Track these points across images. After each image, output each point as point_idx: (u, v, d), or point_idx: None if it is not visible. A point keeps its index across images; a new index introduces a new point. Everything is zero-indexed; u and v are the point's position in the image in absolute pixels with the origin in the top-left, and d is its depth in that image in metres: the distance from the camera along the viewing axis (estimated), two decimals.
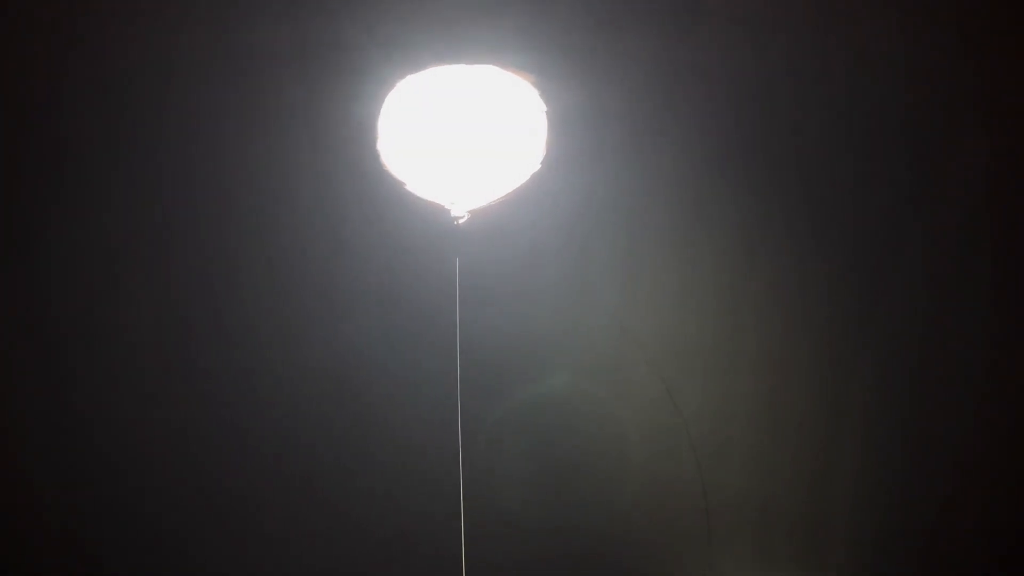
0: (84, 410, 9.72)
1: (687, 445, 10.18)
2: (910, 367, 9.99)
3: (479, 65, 7.29)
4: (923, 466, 9.85)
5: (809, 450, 10.09)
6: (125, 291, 9.52)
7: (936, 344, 10.05)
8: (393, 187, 8.64)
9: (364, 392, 10.02)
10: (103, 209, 9.55)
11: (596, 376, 10.18)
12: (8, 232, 9.58)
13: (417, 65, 7.79)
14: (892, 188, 9.54)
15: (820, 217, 10.26)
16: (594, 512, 10.31)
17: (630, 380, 10.43)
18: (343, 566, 10.46)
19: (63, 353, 9.54)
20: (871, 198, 9.54)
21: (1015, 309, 9.45)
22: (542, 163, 8.05)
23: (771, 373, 10.09)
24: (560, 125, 8.19)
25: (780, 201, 10.07)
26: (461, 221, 8.00)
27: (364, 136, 8.44)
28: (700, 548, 10.27)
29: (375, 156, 8.36)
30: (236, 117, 9.11)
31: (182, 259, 9.87)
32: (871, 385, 10.14)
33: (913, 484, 9.87)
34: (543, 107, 7.80)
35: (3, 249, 9.21)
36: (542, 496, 10.27)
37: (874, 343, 10.26)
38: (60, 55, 8.20)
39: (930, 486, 9.75)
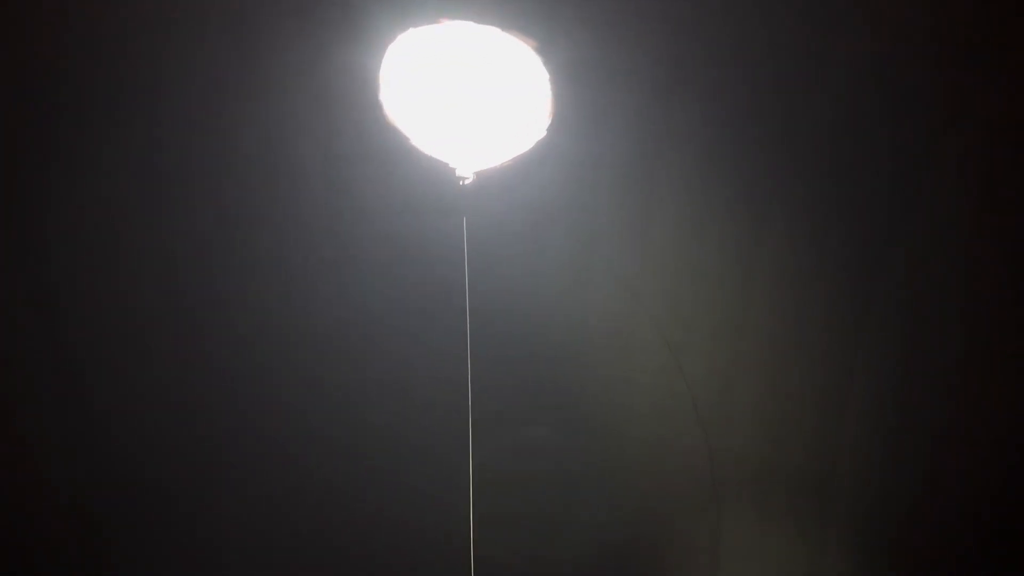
0: (91, 378, 9.84)
1: (691, 407, 10.23)
2: (915, 333, 9.97)
3: (484, 25, 7.10)
4: (926, 428, 9.90)
5: (815, 412, 10.13)
6: (125, 250, 9.53)
7: (941, 311, 10.01)
8: (398, 142, 8.53)
9: (372, 352, 10.06)
10: (103, 167, 9.49)
11: (602, 338, 10.19)
12: (10, 190, 9.58)
13: (421, 18, 7.60)
14: (903, 155, 9.40)
15: (832, 182, 10.13)
16: (599, 472, 10.42)
17: (636, 343, 10.45)
18: (352, 519, 10.62)
19: (64, 311, 9.62)
20: (883, 164, 9.41)
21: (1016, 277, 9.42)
22: (548, 129, 7.91)
23: (779, 336, 10.09)
24: (566, 87, 8.02)
25: (792, 166, 9.92)
26: (467, 182, 7.88)
27: (367, 88, 8.30)
28: (704, 508, 10.40)
29: (378, 108, 8.21)
30: (238, 71, 8.97)
31: (183, 218, 9.83)
32: (877, 349, 10.13)
33: (916, 445, 9.93)
34: (547, 72, 7.63)
35: (5, 212, 9.23)
36: (548, 457, 10.38)
37: (881, 309, 10.21)
38: (60, 8, 8.05)
39: (932, 448, 9.82)
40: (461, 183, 8.10)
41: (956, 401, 9.53)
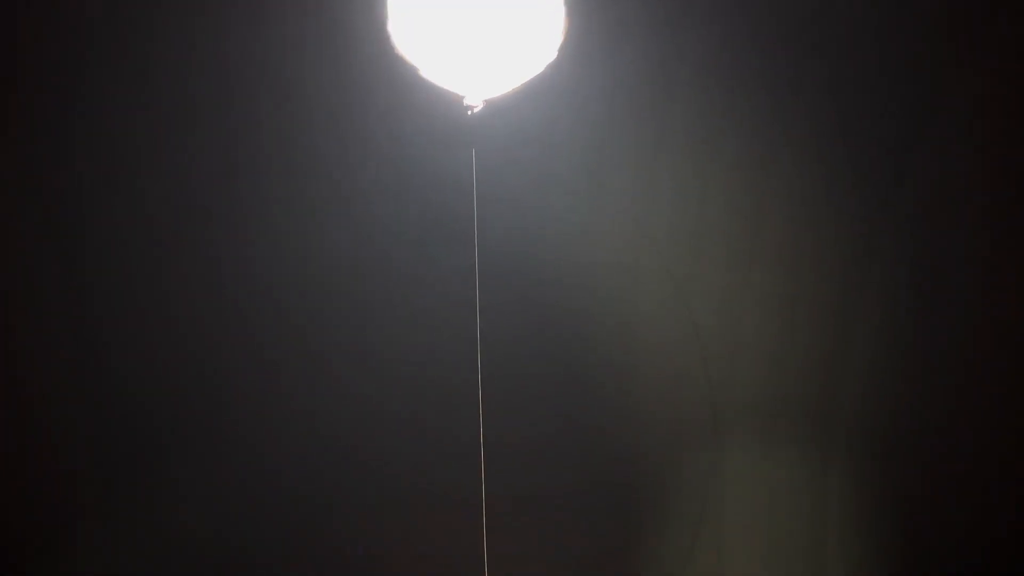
0: (102, 294, 9.93)
1: (696, 339, 10.31)
2: (923, 263, 9.99)
3: None
4: (933, 359, 9.98)
5: (821, 342, 10.21)
6: (137, 174, 9.54)
7: (950, 240, 10.01)
8: (406, 72, 8.44)
9: (379, 284, 10.12)
10: (110, 97, 9.45)
11: (610, 269, 10.23)
12: (29, 121, 9.57)
13: None
14: (911, 86, 9.31)
15: (843, 112, 10.05)
16: (604, 402, 10.55)
17: (642, 275, 10.49)
18: (360, 442, 10.77)
19: (81, 226, 9.69)
20: (893, 92, 9.32)
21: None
22: (559, 50, 7.79)
23: (787, 267, 10.11)
24: (578, 8, 7.91)
25: (805, 95, 9.84)
26: (475, 111, 7.82)
27: (374, 17, 8.18)
28: (708, 437, 10.55)
29: (385, 37, 8.11)
30: (247, 1, 8.87)
31: (192, 148, 9.80)
32: (885, 279, 10.17)
33: (922, 375, 10.02)
34: None
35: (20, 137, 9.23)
36: (554, 389, 10.49)
37: (890, 237, 10.22)
38: None
39: (937, 377, 9.91)
40: (469, 112, 8.04)
41: (963, 330, 9.59)
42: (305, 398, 10.26)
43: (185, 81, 9.18)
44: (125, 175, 9.40)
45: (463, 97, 8.04)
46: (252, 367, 10.18)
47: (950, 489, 9.83)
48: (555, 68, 8.02)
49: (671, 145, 9.91)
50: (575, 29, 7.91)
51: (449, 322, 9.71)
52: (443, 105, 8.46)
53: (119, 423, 10.38)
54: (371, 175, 9.68)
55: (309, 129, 9.77)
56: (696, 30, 8.53)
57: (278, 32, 8.83)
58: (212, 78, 9.21)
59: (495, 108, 8.19)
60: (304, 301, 9.97)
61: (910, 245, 9.99)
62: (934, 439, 9.93)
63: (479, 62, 7.62)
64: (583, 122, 9.48)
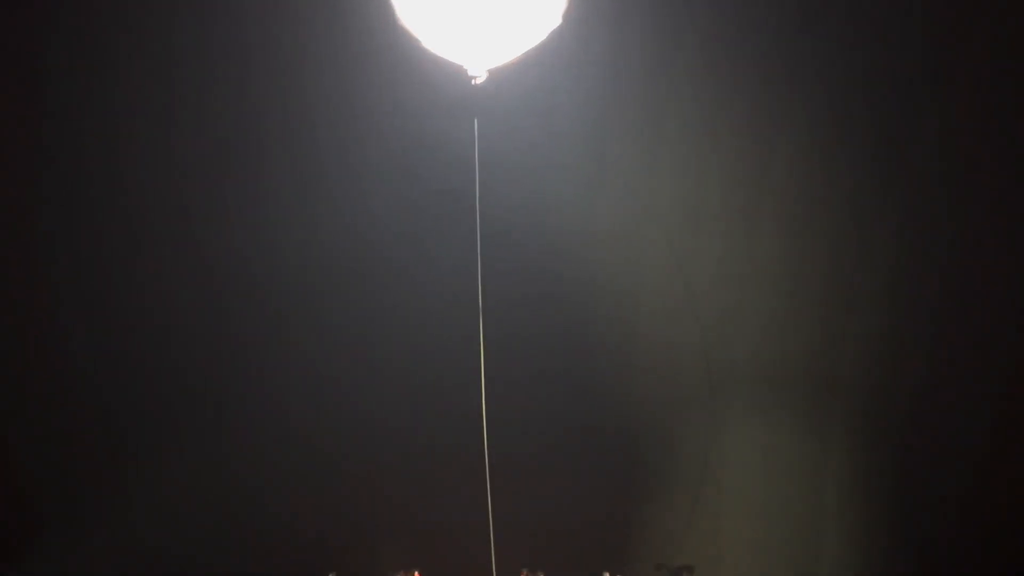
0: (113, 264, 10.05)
1: (694, 309, 10.40)
2: (925, 229, 10.03)
3: None
4: (932, 329, 10.06)
5: (820, 309, 10.28)
6: (139, 150, 9.61)
7: (953, 215, 10.06)
8: (410, 43, 8.45)
9: (382, 252, 10.20)
10: (115, 65, 9.50)
11: (611, 240, 10.29)
12: (36, 97, 9.63)
13: None
14: (914, 55, 9.33)
15: (847, 85, 10.06)
16: (605, 370, 10.65)
17: (642, 245, 10.54)
18: (366, 404, 10.89)
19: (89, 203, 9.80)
20: (898, 62, 9.33)
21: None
22: (563, 16, 7.76)
23: (789, 238, 10.16)
24: None
25: (809, 66, 9.85)
26: (479, 80, 7.84)
27: None
28: (705, 403, 10.66)
29: (389, 10, 8.11)
30: None
31: (195, 119, 9.85)
32: (886, 246, 10.22)
33: (921, 345, 10.11)
34: None
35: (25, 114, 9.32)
36: (555, 358, 10.58)
37: (893, 212, 10.26)
38: None
39: (935, 344, 9.99)
40: (473, 82, 8.06)
41: (962, 297, 9.67)
42: (313, 360, 10.37)
43: (187, 55, 9.24)
44: (125, 144, 9.48)
45: (466, 67, 8.06)
46: (260, 325, 10.30)
47: (947, 456, 9.95)
48: (558, 37, 8.04)
49: (674, 115, 9.94)
50: None
51: (451, 291, 9.79)
52: (446, 75, 8.50)
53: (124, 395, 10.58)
54: (374, 145, 9.73)
55: (313, 100, 9.80)
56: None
57: (281, 4, 8.86)
58: (215, 51, 9.25)
59: (498, 78, 8.20)
60: (308, 269, 10.04)
61: (913, 217, 10.03)
62: (932, 407, 10.04)
63: (482, 32, 7.64)
64: (586, 92, 9.50)
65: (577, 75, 9.18)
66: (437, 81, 8.95)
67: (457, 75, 8.14)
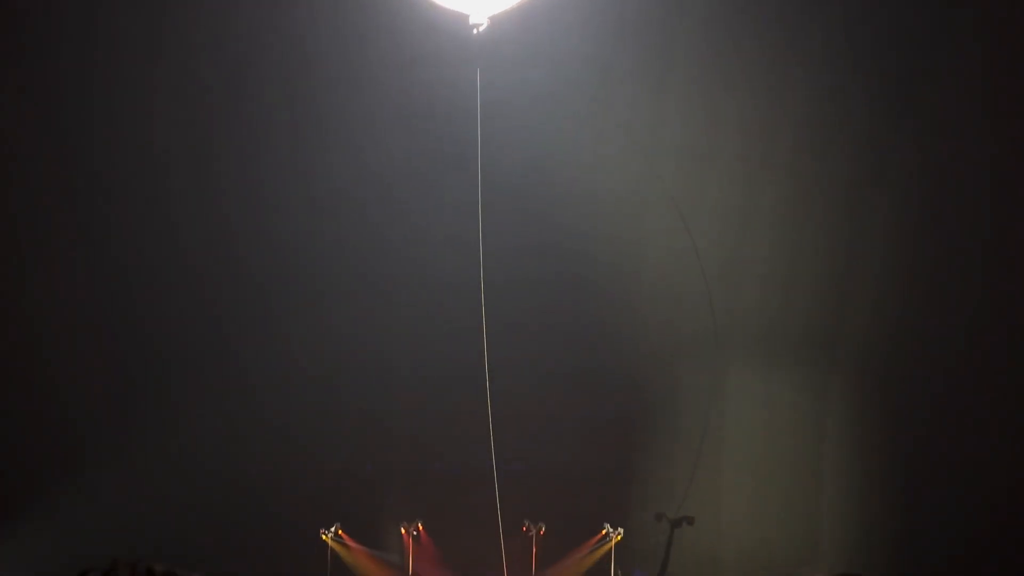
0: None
1: (699, 262, 10.40)
2: (932, 192, 9.99)
3: None
4: (935, 284, 10.05)
5: (824, 265, 10.29)
6: (141, 98, 9.59)
7: (956, 172, 10.00)
8: None
9: (384, 204, 10.20)
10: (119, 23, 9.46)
11: (613, 193, 10.26)
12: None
13: None
14: (923, 8, 9.21)
15: (855, 37, 9.92)
16: (608, 326, 10.69)
17: (647, 197, 10.52)
18: (369, 354, 10.97)
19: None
20: (906, 14, 9.22)
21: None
22: None
23: (793, 192, 10.13)
24: None
25: (818, 16, 9.69)
26: (481, 29, 7.74)
27: None
28: (710, 358, 10.71)
29: None
30: None
31: (196, 71, 9.79)
32: (892, 204, 10.18)
33: (924, 301, 10.11)
34: None
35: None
36: (558, 312, 10.63)
37: (898, 167, 10.21)
38: None
39: (938, 300, 10.00)
40: (475, 31, 7.95)
41: (967, 256, 9.65)
42: (319, 304, 10.44)
43: (189, 8, 9.18)
44: (131, 99, 9.47)
45: (468, 16, 7.96)
46: (269, 264, 10.38)
47: (948, 412, 10.01)
48: None
49: (678, 66, 9.84)
50: None
51: (453, 242, 9.79)
52: (448, 24, 8.41)
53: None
54: (376, 95, 9.67)
55: (314, 50, 9.73)
56: None
57: None
58: (217, 4, 9.19)
59: (500, 26, 8.11)
60: (313, 217, 10.08)
61: (918, 172, 9.97)
62: (934, 362, 10.07)
63: None
64: (589, 41, 9.39)
65: (580, 25, 9.07)
66: (439, 29, 8.83)
67: (459, 23, 8.03)
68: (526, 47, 9.31)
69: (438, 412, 11.21)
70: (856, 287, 10.33)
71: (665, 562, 12.69)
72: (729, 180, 10.25)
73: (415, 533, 13.07)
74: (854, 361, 10.54)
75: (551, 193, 9.93)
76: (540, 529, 12.54)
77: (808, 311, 10.29)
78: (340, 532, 12.19)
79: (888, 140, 10.00)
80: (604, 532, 12.54)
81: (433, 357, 10.67)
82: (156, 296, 10.48)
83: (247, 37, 9.59)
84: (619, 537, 12.20)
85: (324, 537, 12.05)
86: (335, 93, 9.65)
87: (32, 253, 10.30)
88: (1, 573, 9.64)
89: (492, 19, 7.93)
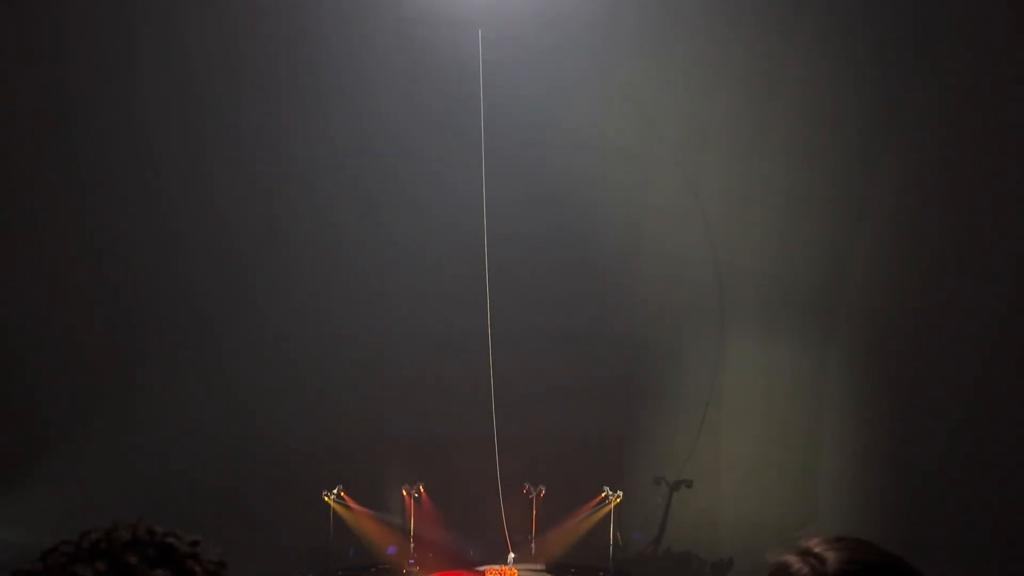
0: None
1: (704, 226, 10.36)
2: (934, 160, 9.92)
3: None
4: (936, 251, 10.03)
5: (827, 231, 10.25)
6: (141, 60, 9.48)
7: (958, 139, 9.91)
8: None
9: (386, 165, 10.15)
10: None
11: (618, 156, 10.19)
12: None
13: None
14: None
15: (860, 3, 9.81)
16: (611, 287, 10.69)
17: (651, 162, 10.45)
18: (372, 315, 11.00)
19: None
20: None
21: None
22: None
23: (796, 158, 10.07)
24: None
25: None
26: None
27: None
28: (712, 322, 10.73)
29: None
30: None
31: (188, 33, 9.69)
32: (894, 175, 10.12)
33: (924, 267, 10.10)
34: None
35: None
36: (561, 276, 10.62)
37: (900, 135, 10.12)
38: None
39: (940, 270, 9.98)
40: None
41: (968, 223, 9.60)
42: (324, 263, 10.46)
43: None
44: (116, 61, 9.37)
45: None
46: (268, 227, 10.37)
47: (947, 379, 10.03)
48: None
49: (683, 31, 9.71)
50: None
51: (455, 205, 9.76)
52: None
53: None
54: (378, 56, 9.55)
55: (315, 9, 9.61)
56: None
57: None
58: None
59: None
60: (312, 180, 10.04)
61: (921, 139, 9.89)
62: (934, 329, 10.08)
63: None
64: (593, 4, 9.27)
65: None
66: None
67: None
68: (528, 7, 9.17)
69: (439, 376, 11.27)
70: (859, 256, 10.31)
71: (663, 525, 12.85)
72: (733, 144, 10.18)
73: (416, 495, 13.22)
74: (855, 329, 10.56)
75: (553, 156, 9.86)
76: (540, 492, 12.67)
77: (810, 279, 10.28)
78: (343, 494, 12.33)
79: (892, 109, 9.93)
80: (603, 495, 12.67)
81: (435, 321, 10.68)
82: (160, 259, 10.49)
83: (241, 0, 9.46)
84: (618, 500, 12.34)
85: (326, 499, 12.16)
86: (334, 56, 9.54)
87: (20, 234, 10.26)
88: (4, 534, 9.76)
89: None
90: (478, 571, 13.54)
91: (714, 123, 10.41)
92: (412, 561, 13.52)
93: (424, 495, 13.97)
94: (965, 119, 9.73)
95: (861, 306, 10.58)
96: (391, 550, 13.93)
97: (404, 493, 13.83)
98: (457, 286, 10.15)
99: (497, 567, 13.73)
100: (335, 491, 12.66)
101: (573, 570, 12.58)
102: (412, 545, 13.46)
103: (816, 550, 0.85)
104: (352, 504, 12.83)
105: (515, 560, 13.23)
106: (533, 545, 12.83)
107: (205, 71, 9.56)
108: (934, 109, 9.83)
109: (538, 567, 13.16)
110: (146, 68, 9.61)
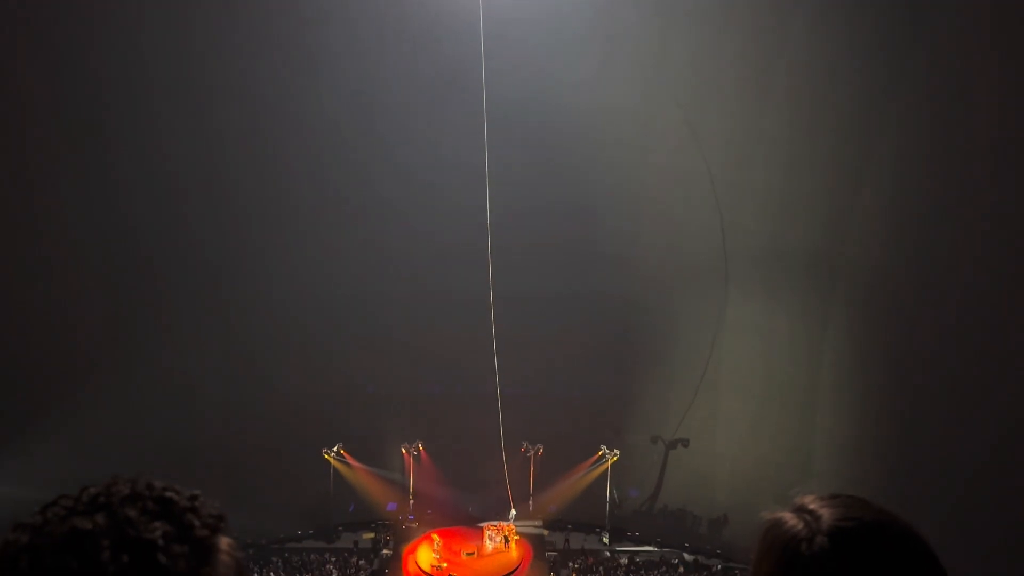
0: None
1: (709, 184, 10.31)
2: (936, 120, 9.85)
3: None
4: (938, 215, 9.99)
5: (829, 191, 10.22)
6: (142, 26, 9.38)
7: (961, 101, 9.81)
8: None
9: (387, 126, 10.07)
10: None
11: (621, 114, 10.10)
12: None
13: None
14: None
15: None
16: (613, 245, 10.68)
17: (655, 120, 10.36)
18: (373, 272, 11.00)
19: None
20: None
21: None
22: None
23: (800, 116, 9.99)
24: None
25: None
26: None
27: None
28: (714, 281, 10.74)
29: None
30: None
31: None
32: (899, 134, 10.06)
33: (926, 230, 10.07)
34: None
35: None
36: (562, 235, 10.61)
37: (904, 95, 10.03)
38: None
39: (939, 231, 9.96)
40: None
41: (970, 186, 9.56)
42: (328, 221, 10.46)
43: None
44: (121, 21, 9.25)
45: None
46: (272, 185, 10.36)
47: (944, 338, 10.05)
48: None
49: None
50: None
51: (458, 167, 9.72)
52: None
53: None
54: (378, 20, 9.42)
55: None
56: None
57: None
58: None
59: None
60: (315, 140, 10.00)
61: (922, 101, 9.81)
62: (931, 290, 10.08)
63: None
64: None
65: None
66: None
67: None
68: None
69: (440, 337, 11.29)
70: (859, 218, 10.28)
71: (659, 482, 13.00)
72: (736, 103, 10.08)
73: (415, 453, 13.35)
74: (853, 290, 10.57)
75: (555, 114, 9.80)
76: (538, 450, 12.81)
77: (810, 239, 10.27)
78: (342, 451, 12.45)
79: (897, 68, 9.81)
80: (600, 453, 12.81)
81: (437, 282, 10.69)
82: (164, 221, 10.46)
83: None
84: (615, 458, 12.47)
85: (326, 456, 12.27)
86: (333, 14, 9.39)
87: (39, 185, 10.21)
88: (7, 488, 9.86)
89: None
90: (476, 527, 13.73)
91: (718, 79, 10.30)
92: (412, 517, 13.71)
93: (423, 453, 14.12)
94: (966, 82, 9.64)
95: (860, 268, 10.58)
96: (391, 506, 14.12)
97: (403, 451, 13.99)
98: (460, 247, 10.15)
99: (495, 523, 13.93)
100: (335, 448, 12.78)
101: (570, 526, 12.77)
102: (411, 502, 13.63)
103: (811, 507, 0.86)
104: (352, 461, 12.97)
105: (515, 517, 13.42)
106: (531, 502, 13.00)
107: (204, 25, 9.46)
108: (936, 71, 9.73)
109: (536, 524, 13.35)
110: (145, 19, 9.50)
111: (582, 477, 12.95)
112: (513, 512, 12.72)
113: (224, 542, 0.72)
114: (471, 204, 9.55)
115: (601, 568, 14.53)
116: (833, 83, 9.93)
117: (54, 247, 10.33)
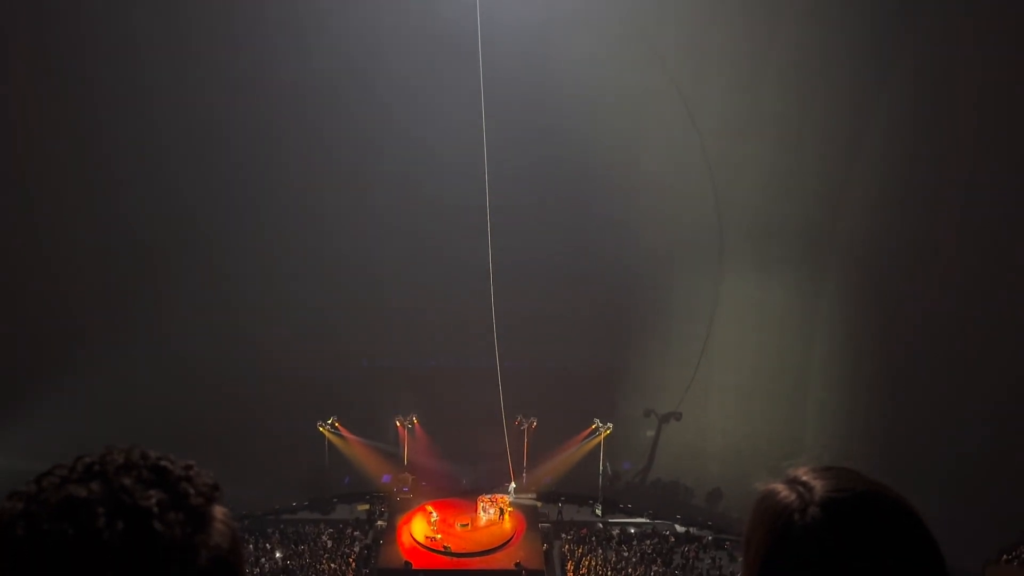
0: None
1: (702, 158, 10.29)
2: (932, 98, 9.84)
3: None
4: (931, 191, 10.01)
5: (823, 165, 10.22)
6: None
7: (957, 80, 9.79)
8: None
9: (384, 99, 10.01)
10: None
11: (616, 91, 10.05)
12: None
13: None
14: None
15: None
16: (609, 221, 10.67)
17: (652, 95, 10.31)
18: (370, 245, 10.98)
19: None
20: None
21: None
22: None
23: (794, 92, 9.96)
24: None
25: None
26: None
27: None
28: (709, 255, 10.75)
29: None
30: None
31: None
32: (893, 111, 10.06)
33: (919, 206, 10.09)
34: None
35: None
36: (558, 209, 10.59)
37: (900, 73, 10.00)
38: None
39: (934, 210, 9.99)
40: None
41: (963, 162, 9.58)
42: (324, 194, 10.44)
43: None
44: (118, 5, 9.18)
45: None
46: (268, 158, 10.32)
47: (937, 312, 10.10)
48: None
49: None
50: None
51: (456, 140, 9.67)
52: None
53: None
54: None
55: None
56: None
57: None
58: None
59: None
60: (313, 112, 9.95)
61: (920, 77, 9.78)
62: (924, 263, 10.12)
63: None
64: None
65: None
66: None
67: None
68: None
69: (435, 309, 11.30)
70: (853, 191, 10.29)
71: (652, 455, 13.09)
72: (732, 79, 10.03)
73: (410, 426, 13.40)
74: (846, 263, 10.61)
75: (552, 89, 9.74)
76: (532, 423, 12.88)
77: (804, 213, 10.28)
78: (337, 424, 12.49)
79: (892, 46, 9.77)
80: (594, 427, 12.89)
81: (433, 255, 10.68)
82: (159, 189, 10.41)
83: None
84: (608, 431, 12.55)
85: (321, 429, 12.31)
86: None
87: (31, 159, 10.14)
88: (3, 457, 9.90)
89: None
90: (471, 500, 13.83)
91: (713, 53, 10.24)
92: (406, 489, 13.80)
93: (417, 426, 14.18)
94: (962, 56, 9.60)
95: (853, 240, 10.61)
96: (386, 479, 14.21)
97: (398, 424, 14.04)
98: (457, 219, 10.12)
99: (489, 495, 14.04)
100: (329, 421, 12.82)
101: (563, 498, 12.88)
102: (409, 477, 13.71)
103: (804, 478, 0.87)
104: (346, 433, 13.02)
105: (515, 490, 13.50)
106: (525, 475, 13.09)
107: (202, 19, 9.38)
108: (931, 46, 9.69)
109: (529, 496, 13.46)
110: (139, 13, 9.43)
111: (576, 450, 13.03)
112: (513, 485, 12.81)
113: (219, 511, 0.72)
114: (469, 177, 9.52)
115: (594, 539, 14.70)
116: (827, 58, 9.89)
117: (51, 221, 10.29)
